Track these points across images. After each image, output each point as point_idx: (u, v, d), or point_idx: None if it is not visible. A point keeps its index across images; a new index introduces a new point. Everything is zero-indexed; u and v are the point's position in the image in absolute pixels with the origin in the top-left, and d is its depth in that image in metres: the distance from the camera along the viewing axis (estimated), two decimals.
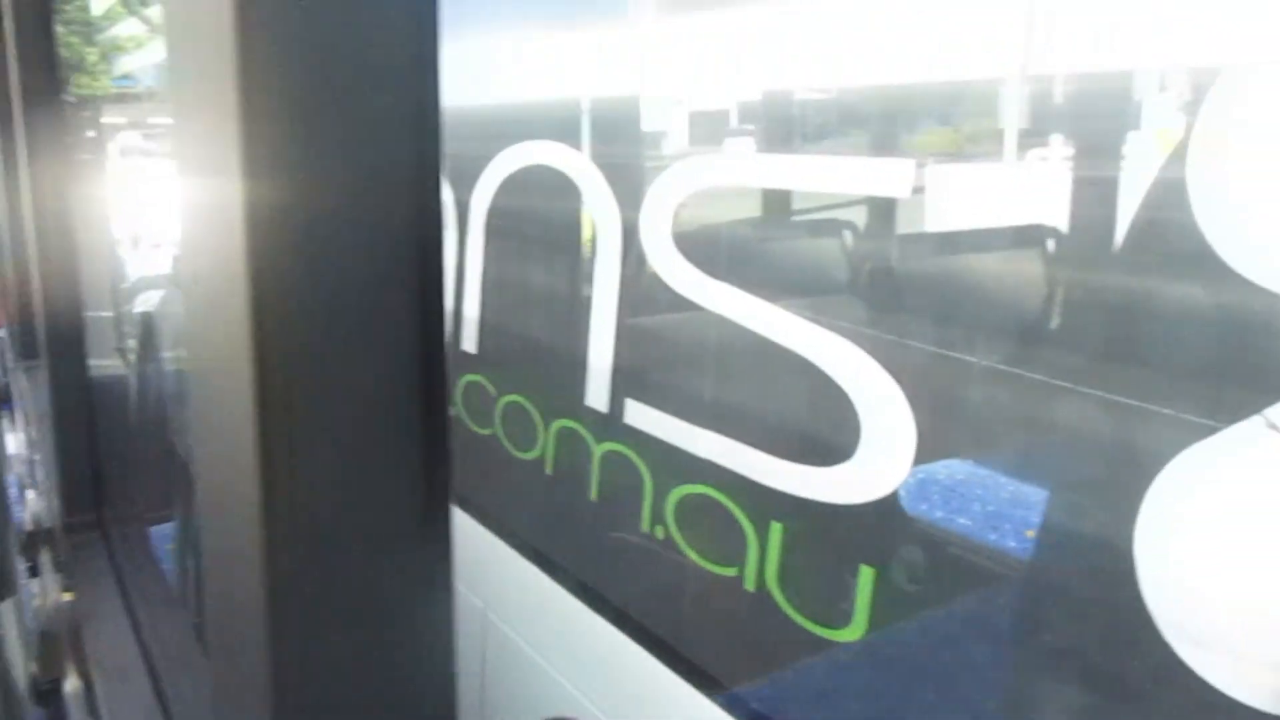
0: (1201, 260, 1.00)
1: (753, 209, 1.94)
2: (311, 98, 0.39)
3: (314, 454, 0.44)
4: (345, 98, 0.40)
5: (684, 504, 1.85)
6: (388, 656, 0.49)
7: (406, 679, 0.50)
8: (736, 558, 1.71)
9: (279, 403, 0.41)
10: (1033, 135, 1.55)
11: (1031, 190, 1.58)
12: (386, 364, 0.45)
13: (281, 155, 0.38)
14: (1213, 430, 1.00)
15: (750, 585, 1.69)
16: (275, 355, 0.40)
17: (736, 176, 1.77)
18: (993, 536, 1.65)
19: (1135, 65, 1.30)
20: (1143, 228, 1.15)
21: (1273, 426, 0.95)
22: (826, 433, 1.54)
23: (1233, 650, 0.99)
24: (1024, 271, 1.51)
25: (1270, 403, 0.95)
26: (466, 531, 2.58)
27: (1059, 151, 1.51)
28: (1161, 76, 1.33)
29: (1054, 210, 1.51)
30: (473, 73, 2.55)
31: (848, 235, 1.95)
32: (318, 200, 0.40)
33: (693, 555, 1.84)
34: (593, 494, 2.12)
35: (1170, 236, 1.07)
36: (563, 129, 2.19)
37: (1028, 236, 1.57)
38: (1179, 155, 1.04)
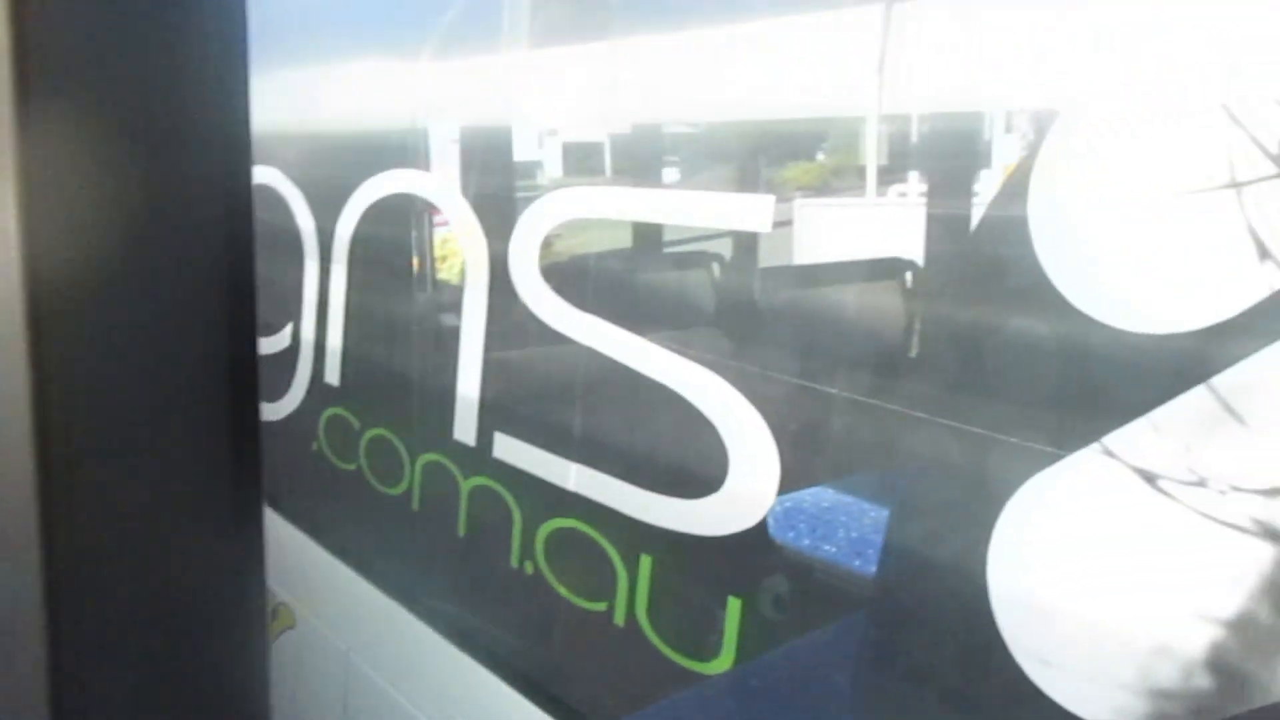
0: (1044, 294, 1.04)
1: (621, 241, 1.95)
2: (101, 100, 0.36)
3: (101, 462, 0.41)
4: (140, 100, 0.37)
5: (554, 538, 1.83)
6: (190, 670, 0.45)
7: (214, 690, 0.47)
8: (606, 592, 1.69)
9: (57, 414, 0.38)
10: (892, 172, 1.60)
11: (889, 225, 1.63)
12: (189, 370, 0.42)
13: (65, 159, 0.35)
14: (1056, 458, 1.04)
15: (620, 620, 1.67)
16: (53, 368, 0.37)
17: (604, 209, 1.77)
18: (857, 563, 1.68)
19: (984, 107, 1.36)
20: (990, 262, 1.19)
21: (1109, 454, 0.99)
22: (695, 465, 1.55)
23: (1079, 670, 1.03)
24: (882, 304, 1.55)
25: (1108, 430, 0.99)
26: (329, 570, 2.49)
27: (916, 187, 1.57)
28: (1007, 117, 1.39)
29: (911, 244, 1.56)
30: (341, 98, 2.49)
31: (715, 268, 1.97)
32: (109, 208, 0.38)
33: (563, 590, 1.82)
34: (461, 530, 2.07)
35: (1015, 271, 1.11)
36: (429, 157, 2.16)
37: (886, 270, 1.61)
38: (1021, 193, 1.08)
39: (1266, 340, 0.88)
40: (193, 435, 0.43)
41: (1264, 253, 0.88)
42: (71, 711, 0.42)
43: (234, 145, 0.39)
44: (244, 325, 0.42)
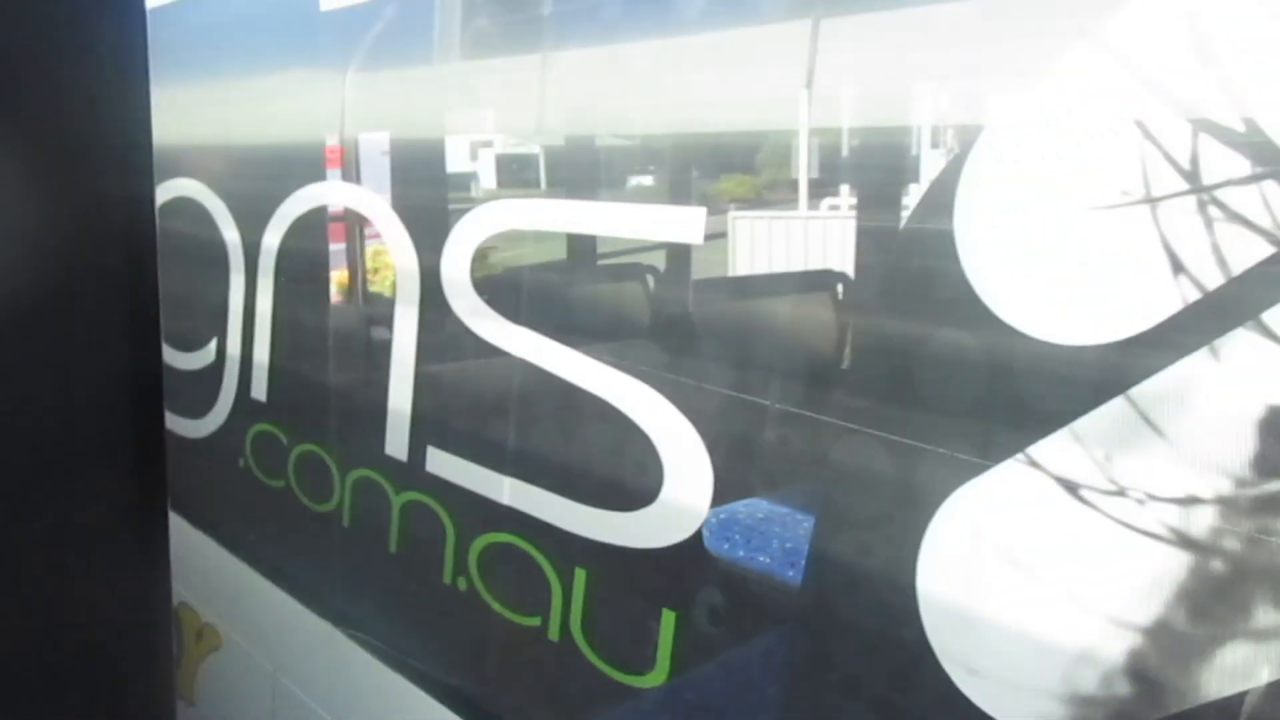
0: (971, 307, 1.06)
1: (555, 254, 1.94)
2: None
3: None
4: (38, 118, 0.36)
5: (487, 553, 1.81)
6: (94, 686, 0.44)
7: (118, 707, 0.45)
8: (540, 607, 1.68)
9: None
10: (822, 185, 1.62)
11: (821, 237, 1.64)
12: (91, 383, 0.40)
13: None
14: (983, 469, 1.05)
15: (555, 634, 1.66)
16: None
17: (536, 221, 1.76)
18: (791, 573, 1.69)
19: (912, 121, 1.38)
20: (919, 275, 1.21)
21: (1033, 464, 1.01)
22: (629, 477, 1.54)
23: (1004, 678, 1.04)
24: (813, 316, 1.56)
25: (1032, 441, 1.01)
26: (256, 589, 2.43)
27: (845, 200, 1.58)
28: (934, 132, 1.41)
29: (841, 256, 1.57)
30: (267, 110, 2.45)
31: (649, 280, 1.97)
32: (6, 225, 0.36)
33: (497, 606, 1.80)
34: (392, 546, 2.04)
35: (943, 284, 1.12)
36: (359, 169, 2.13)
37: (817, 281, 1.62)
38: (948, 205, 1.10)
39: (1182, 352, 0.90)
40: (95, 449, 0.41)
41: (1178, 267, 0.90)
42: None
43: (135, 160, 0.38)
44: (148, 338, 0.41)
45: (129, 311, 0.38)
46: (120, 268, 0.37)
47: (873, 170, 1.47)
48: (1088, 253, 0.98)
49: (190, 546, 2.61)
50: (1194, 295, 0.89)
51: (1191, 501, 0.91)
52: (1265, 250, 0.85)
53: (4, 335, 0.36)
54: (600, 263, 1.98)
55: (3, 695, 0.39)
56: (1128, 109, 0.94)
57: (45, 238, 0.36)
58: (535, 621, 1.69)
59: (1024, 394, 1.05)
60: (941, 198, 1.10)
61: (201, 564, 2.61)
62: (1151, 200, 0.92)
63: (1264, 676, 0.89)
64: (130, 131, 0.36)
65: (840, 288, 1.61)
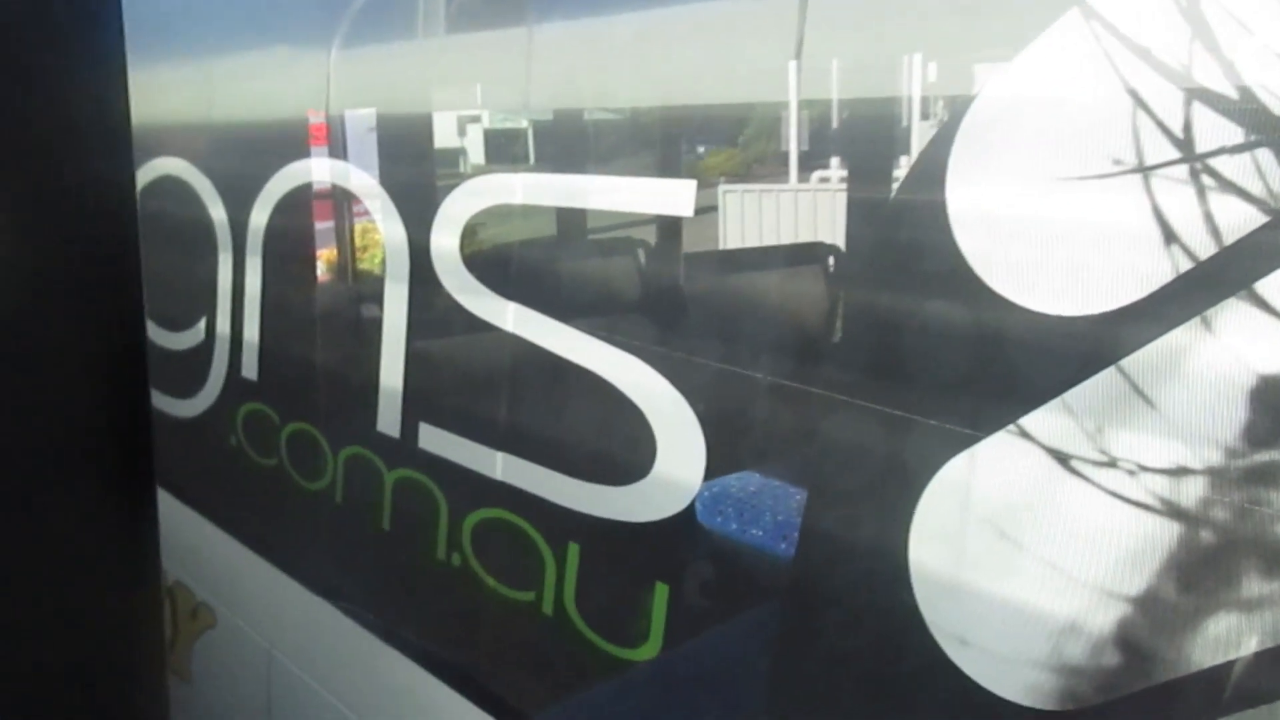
0: (963, 278, 1.05)
1: (545, 228, 1.92)
2: None
3: None
4: (17, 114, 0.35)
5: (481, 529, 1.81)
6: (85, 665, 0.44)
7: (110, 685, 0.45)
8: (534, 581, 1.68)
9: None
10: (813, 157, 1.61)
11: (811, 210, 1.64)
12: (75, 364, 0.40)
13: None
14: (975, 439, 1.05)
15: (549, 609, 1.66)
16: None
17: (526, 195, 1.75)
18: (783, 546, 1.69)
19: (898, 92, 1.37)
20: (911, 247, 1.20)
21: (1025, 435, 1.01)
22: (622, 451, 1.54)
23: (995, 649, 1.05)
24: (804, 289, 1.56)
25: (1024, 413, 1.01)
26: (249, 568, 2.44)
27: (836, 173, 1.57)
28: (924, 102, 1.40)
29: (832, 229, 1.56)
30: (253, 86, 2.42)
31: (639, 253, 1.96)
32: None
33: (490, 581, 1.80)
34: (385, 523, 2.04)
35: (935, 255, 1.12)
36: (345, 145, 2.11)
37: (808, 255, 1.62)
38: (940, 176, 1.09)
39: (1174, 323, 0.90)
40: (80, 431, 0.41)
41: (1170, 236, 0.90)
42: None
43: (112, 143, 0.37)
44: (131, 318, 0.40)
45: (112, 293, 0.37)
46: (102, 249, 0.37)
47: (863, 142, 1.47)
48: (1080, 223, 0.98)
49: (183, 526, 2.61)
50: (1186, 265, 0.89)
51: (1182, 473, 0.91)
52: (1258, 219, 0.85)
53: None
54: (591, 237, 1.97)
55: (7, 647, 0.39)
56: (1120, 77, 0.93)
57: (25, 223, 0.35)
58: (529, 596, 1.70)
59: (1016, 365, 1.05)
60: (933, 168, 1.10)
61: (194, 543, 2.61)
62: (1144, 169, 0.91)
63: (1252, 646, 0.89)
64: (107, 113, 0.35)
65: (832, 260, 1.61)
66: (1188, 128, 0.89)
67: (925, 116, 1.37)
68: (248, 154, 2.37)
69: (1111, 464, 0.95)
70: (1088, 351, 0.96)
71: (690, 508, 1.45)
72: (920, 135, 1.35)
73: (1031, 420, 1.01)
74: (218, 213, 2.45)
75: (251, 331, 2.40)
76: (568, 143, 1.85)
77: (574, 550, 1.61)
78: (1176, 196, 0.90)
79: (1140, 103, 0.92)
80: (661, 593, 1.48)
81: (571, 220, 1.94)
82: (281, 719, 2.36)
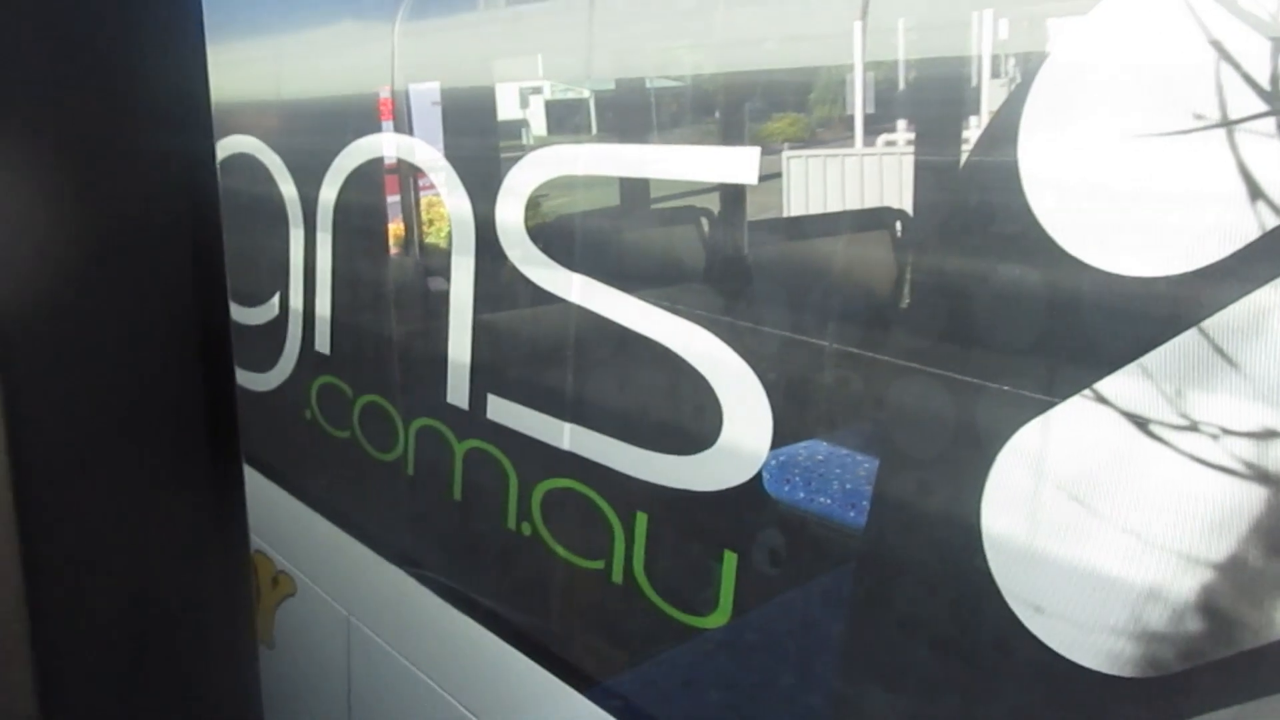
0: (1036, 240, 1.03)
1: (608, 198, 1.93)
2: (56, 85, 0.35)
3: (78, 439, 0.40)
4: (99, 90, 0.36)
5: (549, 499, 1.83)
6: (176, 632, 0.45)
7: (201, 660, 0.46)
8: (603, 550, 1.70)
9: (30, 391, 0.37)
10: (878, 121, 1.58)
11: (878, 175, 1.61)
12: (162, 343, 0.41)
13: (20, 139, 0.34)
14: (1049, 405, 1.03)
15: (617, 577, 1.68)
16: (22, 347, 0.36)
17: (589, 166, 1.75)
18: (852, 514, 1.68)
19: (969, 51, 1.34)
20: (981, 209, 1.18)
21: (1101, 400, 0.99)
22: (688, 421, 1.54)
23: (1072, 616, 1.03)
24: (872, 255, 1.54)
25: (1101, 377, 0.99)
26: (326, 537, 2.50)
27: (903, 136, 1.55)
28: (994, 62, 1.37)
29: (899, 194, 1.54)
30: (320, 64, 2.46)
31: (703, 222, 1.96)
32: (69, 190, 0.37)
33: (560, 550, 1.82)
34: (456, 493, 2.07)
35: (1007, 218, 1.10)
36: (411, 120, 2.13)
37: (874, 220, 1.60)
38: (1011, 137, 1.07)
39: (1258, 283, 0.87)
40: (169, 406, 0.42)
41: (1255, 193, 0.87)
42: (56, 693, 0.41)
43: (193, 116, 0.38)
44: (215, 292, 0.41)
45: (196, 269, 0.38)
46: (184, 224, 0.37)
47: (931, 104, 1.44)
48: (1159, 181, 0.95)
49: (261, 497, 2.68)
50: (1272, 222, 0.86)
51: (1267, 436, 0.89)
52: None
53: (73, 296, 0.37)
54: (654, 206, 1.97)
55: (93, 647, 0.41)
56: (1202, 28, 0.90)
57: (108, 197, 0.36)
58: (598, 565, 1.71)
59: (1091, 329, 1.03)
60: (1005, 129, 1.07)
61: (272, 514, 2.68)
62: (1228, 123, 0.88)
63: None
64: (187, 87, 0.36)
65: (899, 225, 1.58)
66: (1274, 79, 0.86)
67: (996, 75, 1.34)
68: (316, 130, 2.41)
69: (1192, 428, 0.92)
70: (1167, 313, 0.93)
71: (757, 476, 1.45)
72: (991, 95, 1.32)
73: (1108, 384, 0.98)
74: (288, 189, 2.50)
75: (323, 306, 2.44)
76: (630, 112, 1.85)
77: (642, 519, 1.63)
78: (1261, 151, 0.87)
79: (1223, 54, 0.89)
80: (730, 561, 1.49)
81: (635, 190, 1.94)
82: (360, 684, 2.43)
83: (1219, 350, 0.90)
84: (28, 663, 0.40)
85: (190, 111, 0.38)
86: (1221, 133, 0.89)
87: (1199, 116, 0.90)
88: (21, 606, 0.39)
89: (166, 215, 0.39)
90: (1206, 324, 0.91)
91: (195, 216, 0.40)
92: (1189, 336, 0.92)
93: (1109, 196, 0.99)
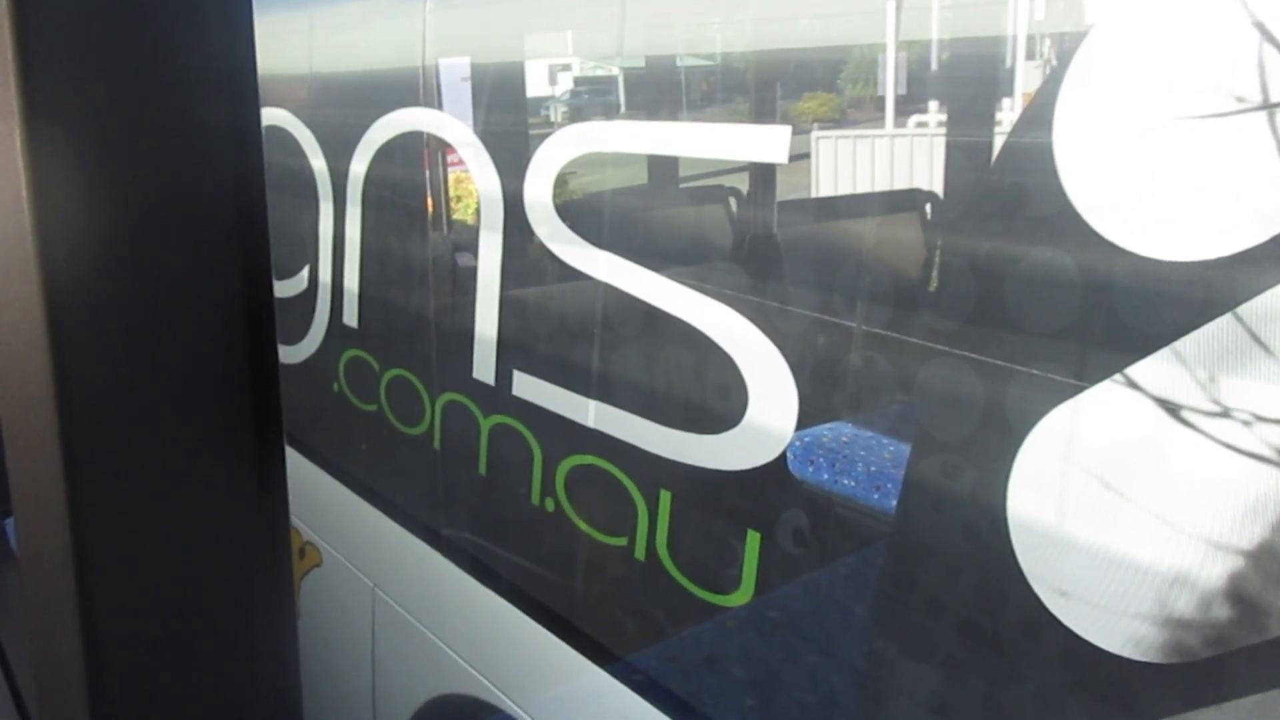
0: (1069, 223, 1.02)
1: (637, 177, 1.92)
2: (103, 55, 0.36)
3: (125, 411, 0.41)
4: (147, 61, 0.37)
5: (574, 475, 1.84)
6: (217, 616, 0.46)
7: (240, 630, 0.47)
8: (626, 527, 1.71)
9: (77, 367, 0.38)
10: (910, 101, 1.57)
11: (908, 155, 1.60)
12: (208, 317, 0.42)
13: (70, 111, 0.35)
14: (1079, 390, 1.03)
15: (641, 554, 1.69)
16: (70, 324, 0.37)
17: (618, 144, 1.75)
18: (876, 496, 1.68)
19: (1004, 31, 1.32)
20: (1014, 192, 1.17)
21: (1133, 385, 0.98)
22: (714, 400, 1.55)
23: (1097, 600, 1.03)
24: (901, 237, 1.53)
25: (1132, 361, 0.98)
26: (353, 509, 2.52)
27: (935, 117, 1.54)
28: (1029, 42, 1.35)
29: (930, 175, 1.53)
30: (351, 37, 2.46)
31: (731, 201, 1.95)
32: (117, 158, 0.37)
33: (583, 526, 1.83)
34: (481, 468, 2.09)
35: (1039, 200, 1.09)
36: (440, 95, 2.13)
37: (904, 202, 1.59)
38: (1046, 119, 1.05)
39: None
40: (217, 379, 0.43)
41: None
42: (104, 669, 0.42)
43: (240, 88, 0.39)
44: (259, 267, 0.42)
45: (241, 239, 0.39)
46: (229, 197, 0.38)
47: (964, 84, 1.42)
48: (1197, 164, 0.94)
49: (289, 469, 2.71)
50: None
51: None
52: None
53: (125, 271, 0.38)
54: (682, 185, 1.97)
55: (139, 617, 0.42)
56: (1243, 7, 0.89)
57: (156, 169, 0.37)
58: (622, 542, 1.72)
59: (1123, 312, 1.02)
60: (1039, 111, 1.06)
61: (299, 485, 2.71)
62: (1267, 107, 0.87)
63: None
64: (236, 57, 0.36)
65: (929, 207, 1.57)
66: None
67: (1031, 56, 1.33)
68: (346, 104, 2.42)
69: (1224, 414, 0.92)
70: (1201, 298, 0.93)
71: (782, 457, 1.45)
72: (1025, 76, 1.30)
73: (1139, 369, 0.98)
74: (318, 162, 2.51)
75: (351, 280, 2.46)
76: (659, 90, 1.84)
77: (666, 497, 1.63)
78: None
79: (1266, 35, 0.87)
80: (753, 540, 1.49)
81: (663, 168, 1.93)
82: (384, 653, 2.46)
83: (1254, 336, 0.90)
84: (77, 629, 0.41)
85: (238, 83, 0.39)
86: (1261, 115, 0.88)
87: (1240, 99, 0.89)
88: (70, 571, 0.40)
89: (213, 187, 0.40)
90: (1241, 309, 0.90)
91: (240, 188, 0.40)
92: (1223, 322, 0.91)
93: (1144, 179, 0.98)
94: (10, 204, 0.34)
